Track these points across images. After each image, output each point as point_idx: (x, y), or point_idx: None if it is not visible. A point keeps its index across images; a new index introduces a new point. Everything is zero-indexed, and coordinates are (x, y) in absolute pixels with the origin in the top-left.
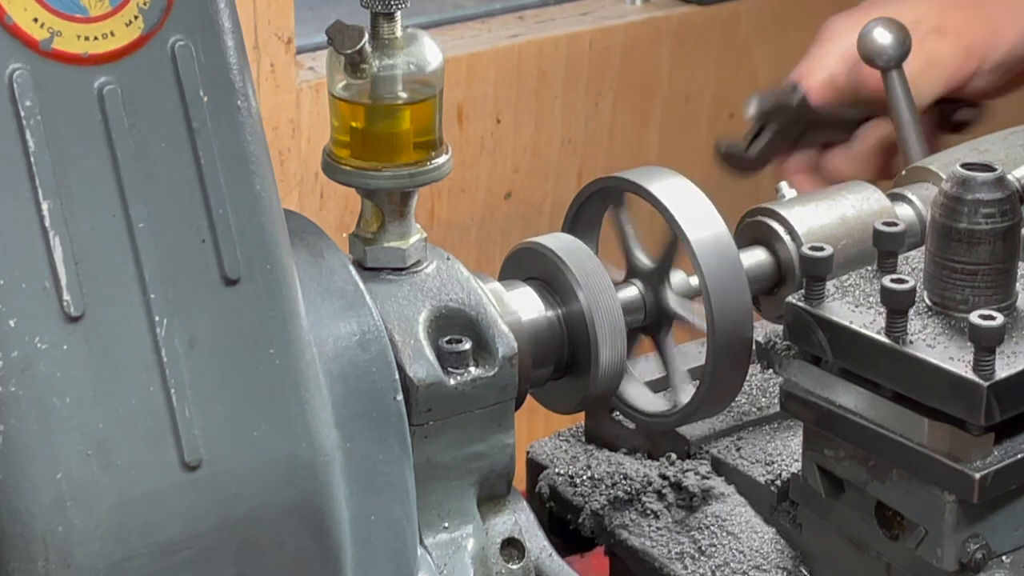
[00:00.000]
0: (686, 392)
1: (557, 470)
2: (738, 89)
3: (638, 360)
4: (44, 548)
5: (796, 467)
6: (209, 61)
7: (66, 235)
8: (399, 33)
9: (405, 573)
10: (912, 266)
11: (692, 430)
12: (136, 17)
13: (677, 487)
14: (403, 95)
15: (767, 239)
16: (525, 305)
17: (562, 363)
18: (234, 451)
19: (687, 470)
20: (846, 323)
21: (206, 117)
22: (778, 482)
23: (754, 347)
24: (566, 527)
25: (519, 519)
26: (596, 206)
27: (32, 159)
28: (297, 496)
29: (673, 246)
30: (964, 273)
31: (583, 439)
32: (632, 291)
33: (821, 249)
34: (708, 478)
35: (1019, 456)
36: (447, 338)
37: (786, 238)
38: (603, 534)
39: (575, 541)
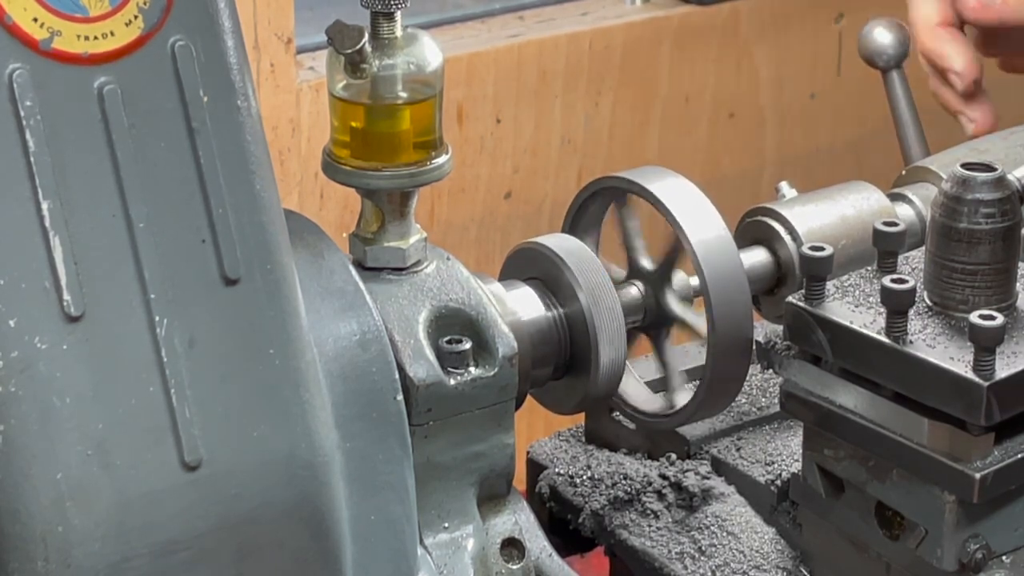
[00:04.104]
0: (683, 394)
1: (557, 470)
2: (738, 89)
3: (638, 360)
4: (44, 548)
5: (796, 467)
6: (209, 61)
7: (66, 235)
8: (399, 33)
9: (405, 573)
10: (912, 266)
11: (692, 430)
12: (136, 17)
13: (677, 487)
14: (403, 95)
15: (767, 239)
16: (525, 305)
17: (562, 363)
18: (234, 451)
19: (687, 470)
20: (846, 323)
21: (206, 117)
22: (778, 482)
23: (754, 347)
24: (566, 527)
25: (519, 519)
26: (596, 206)
27: (32, 159)
28: (297, 496)
29: (675, 249)
30: (964, 273)
31: (583, 439)
32: (633, 291)
33: (821, 249)
34: (708, 478)
35: (1019, 456)
36: (447, 338)
37: (786, 238)
38: (603, 534)
39: (575, 541)
